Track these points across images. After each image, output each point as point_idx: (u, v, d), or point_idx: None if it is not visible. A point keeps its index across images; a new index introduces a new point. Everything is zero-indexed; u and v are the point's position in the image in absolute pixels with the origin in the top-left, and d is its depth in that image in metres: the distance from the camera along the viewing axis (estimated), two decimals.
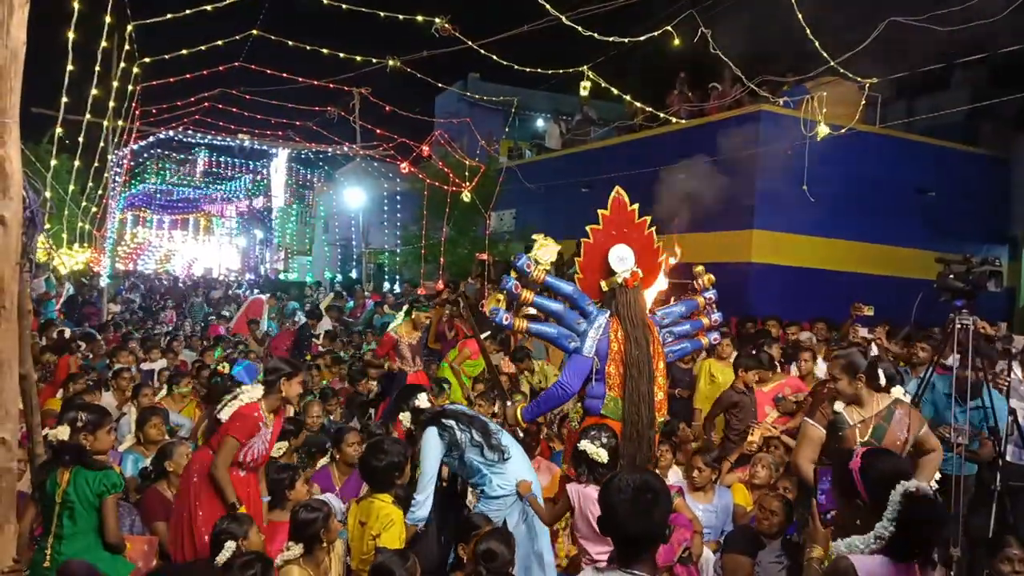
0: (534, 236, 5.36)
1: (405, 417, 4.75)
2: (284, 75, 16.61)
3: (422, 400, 4.80)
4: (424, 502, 4.36)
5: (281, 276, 37.48)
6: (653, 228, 5.47)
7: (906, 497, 2.71)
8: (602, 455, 4.11)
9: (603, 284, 5.20)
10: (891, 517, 2.72)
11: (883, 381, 4.37)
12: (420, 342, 8.72)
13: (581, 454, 4.18)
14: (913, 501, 2.71)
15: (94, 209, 16.72)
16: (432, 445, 4.48)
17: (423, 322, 8.67)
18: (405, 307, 9.10)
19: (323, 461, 6.01)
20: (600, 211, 5.36)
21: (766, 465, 5.72)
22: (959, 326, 5.26)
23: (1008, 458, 5.49)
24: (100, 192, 15.93)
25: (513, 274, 5.08)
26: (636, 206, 5.41)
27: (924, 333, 7.31)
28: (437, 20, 11.50)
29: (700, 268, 5.70)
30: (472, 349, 8.79)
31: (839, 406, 4.32)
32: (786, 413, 6.73)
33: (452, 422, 4.54)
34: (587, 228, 5.32)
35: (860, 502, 2.97)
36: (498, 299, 5.06)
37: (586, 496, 4.02)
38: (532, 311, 5.36)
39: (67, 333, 10.85)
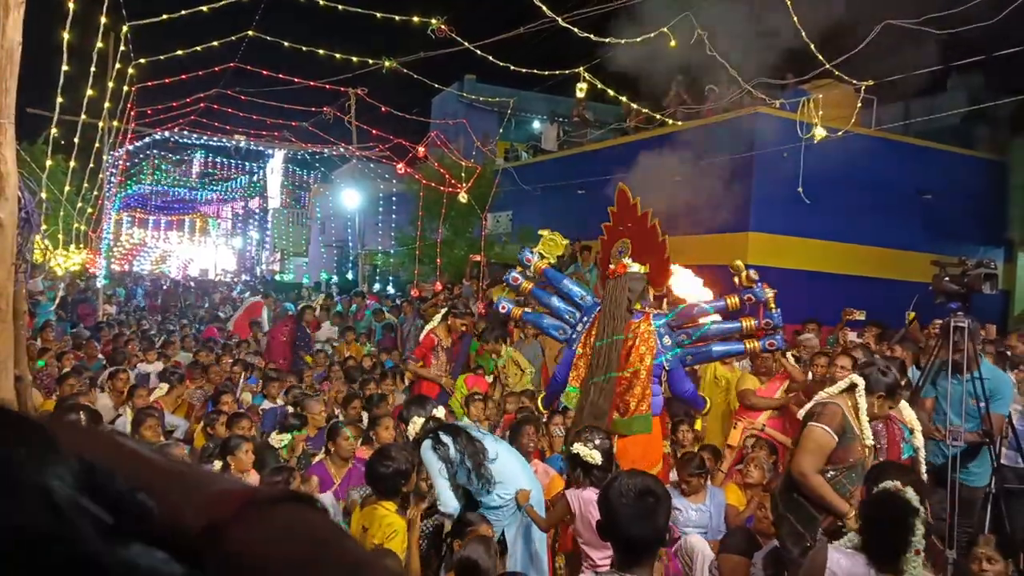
0: (540, 232, 5.43)
1: (416, 422, 4.68)
2: (280, 76, 16.62)
3: (439, 411, 4.79)
4: (448, 501, 4.35)
5: (277, 277, 37.45)
6: (656, 221, 5.47)
7: (877, 494, 2.75)
8: (596, 457, 4.07)
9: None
10: (862, 515, 2.77)
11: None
12: (458, 349, 8.83)
13: (574, 457, 4.14)
14: (881, 498, 2.74)
15: (90, 210, 16.69)
16: (430, 459, 4.44)
17: (459, 328, 8.71)
18: (443, 311, 9.08)
19: (319, 456, 6.00)
20: (609, 208, 5.42)
21: (759, 465, 5.71)
22: (953, 328, 5.28)
23: (1003, 461, 5.51)
24: (95, 193, 15.90)
25: (518, 268, 5.15)
26: (638, 199, 5.43)
27: (902, 334, 7.33)
28: (433, 21, 11.51)
29: (739, 264, 5.53)
30: (480, 387, 8.86)
31: (866, 425, 4.23)
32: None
33: (449, 439, 4.48)
34: (602, 226, 5.39)
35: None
36: (504, 290, 5.20)
37: (586, 500, 3.98)
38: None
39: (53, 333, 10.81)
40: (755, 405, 7.07)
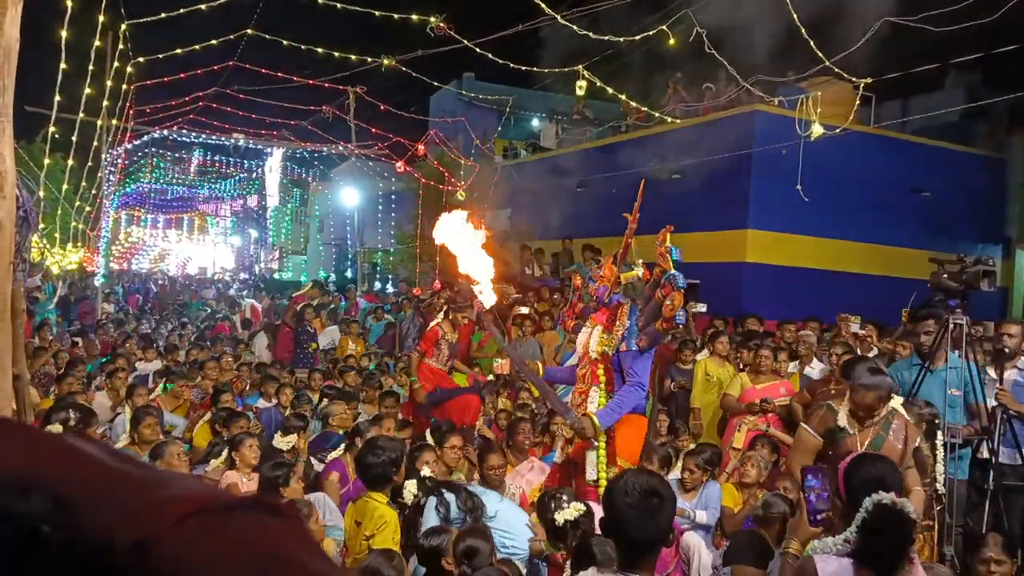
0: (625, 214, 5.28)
1: (411, 484, 4.59)
2: (279, 74, 16.60)
3: (426, 471, 4.76)
4: None
5: (276, 275, 37.41)
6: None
7: (876, 506, 2.73)
8: (580, 507, 3.94)
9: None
10: (857, 523, 2.75)
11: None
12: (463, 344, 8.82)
13: (561, 528, 3.95)
14: (881, 512, 2.72)
15: (88, 208, 16.67)
16: (431, 519, 4.35)
17: (460, 322, 8.70)
18: (444, 308, 8.99)
19: (336, 453, 6.01)
20: (636, 203, 5.37)
21: (756, 464, 5.70)
22: (952, 325, 5.29)
23: (1000, 458, 5.51)
24: (94, 191, 15.88)
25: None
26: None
27: (901, 331, 7.32)
28: (432, 19, 11.50)
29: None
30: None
31: (842, 419, 4.29)
32: (771, 412, 6.72)
33: (452, 497, 4.41)
34: (630, 219, 5.31)
35: (839, 501, 3.01)
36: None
37: None
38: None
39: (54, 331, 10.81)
40: (727, 407, 7.10)
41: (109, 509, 0.47)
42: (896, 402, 4.43)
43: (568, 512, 3.94)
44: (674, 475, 5.76)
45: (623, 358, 4.98)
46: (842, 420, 4.28)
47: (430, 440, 5.84)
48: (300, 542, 0.53)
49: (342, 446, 6.04)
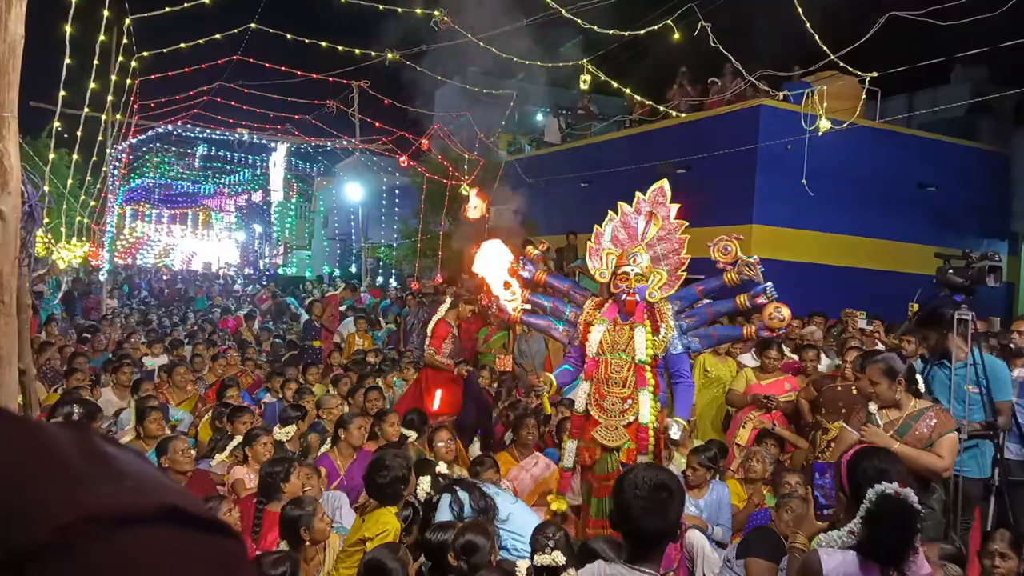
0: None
1: (424, 482, 4.60)
2: (283, 69, 16.59)
3: (442, 467, 4.82)
4: None
5: (280, 271, 37.48)
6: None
7: (880, 497, 2.73)
8: (559, 559, 3.75)
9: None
10: (861, 514, 2.75)
11: (921, 386, 4.38)
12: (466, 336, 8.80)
13: (543, 571, 3.77)
14: (885, 502, 2.72)
15: (93, 203, 16.70)
16: (444, 517, 4.35)
17: (467, 314, 8.64)
18: (450, 299, 8.88)
19: (324, 448, 6.02)
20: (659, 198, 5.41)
21: (761, 459, 5.69)
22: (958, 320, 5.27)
23: (1007, 455, 5.50)
24: (99, 186, 15.91)
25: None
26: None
27: (907, 326, 7.32)
28: (436, 13, 11.48)
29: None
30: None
31: (872, 407, 4.31)
32: (775, 409, 6.71)
33: (465, 495, 4.44)
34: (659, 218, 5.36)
35: (843, 495, 3.00)
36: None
37: None
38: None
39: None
40: (732, 402, 7.10)
41: (24, 508, 0.41)
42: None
43: (545, 558, 3.78)
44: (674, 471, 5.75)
45: (671, 360, 5.01)
46: (872, 407, 4.32)
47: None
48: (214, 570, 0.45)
49: (328, 440, 6.04)
